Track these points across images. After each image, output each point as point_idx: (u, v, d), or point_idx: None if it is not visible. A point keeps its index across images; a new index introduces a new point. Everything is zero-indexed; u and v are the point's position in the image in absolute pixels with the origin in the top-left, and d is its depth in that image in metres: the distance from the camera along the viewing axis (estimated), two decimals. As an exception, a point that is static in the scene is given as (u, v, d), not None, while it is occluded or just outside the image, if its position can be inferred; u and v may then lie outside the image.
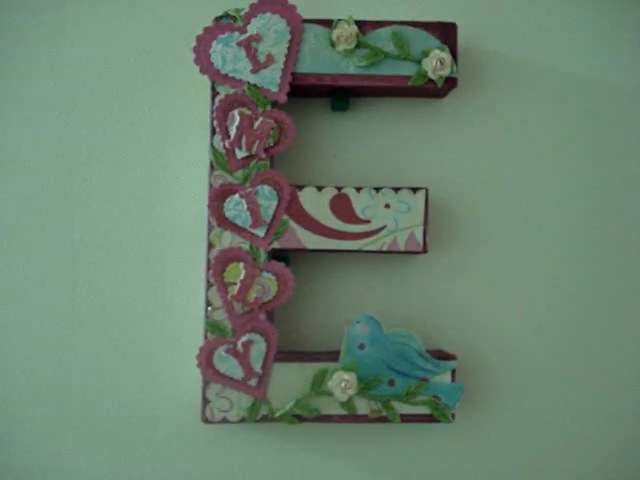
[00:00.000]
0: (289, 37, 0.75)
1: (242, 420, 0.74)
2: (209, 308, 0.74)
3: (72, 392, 0.79)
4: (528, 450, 0.81)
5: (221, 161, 0.75)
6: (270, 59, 0.75)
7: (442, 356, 0.76)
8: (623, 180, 0.82)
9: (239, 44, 0.75)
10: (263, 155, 0.74)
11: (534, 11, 0.82)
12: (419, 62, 0.75)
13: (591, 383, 0.81)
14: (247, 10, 0.75)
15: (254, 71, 0.75)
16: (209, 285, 0.74)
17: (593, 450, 0.81)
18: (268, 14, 0.75)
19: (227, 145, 0.74)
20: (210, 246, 0.74)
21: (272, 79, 0.75)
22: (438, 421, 0.75)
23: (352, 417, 0.75)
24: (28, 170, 0.79)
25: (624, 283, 0.82)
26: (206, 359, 0.74)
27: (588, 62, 0.82)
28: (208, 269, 0.74)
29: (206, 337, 0.74)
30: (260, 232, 0.75)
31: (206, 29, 0.75)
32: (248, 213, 0.74)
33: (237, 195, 0.74)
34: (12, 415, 0.78)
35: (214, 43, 0.74)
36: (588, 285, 0.82)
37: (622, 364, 0.82)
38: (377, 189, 0.75)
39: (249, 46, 0.75)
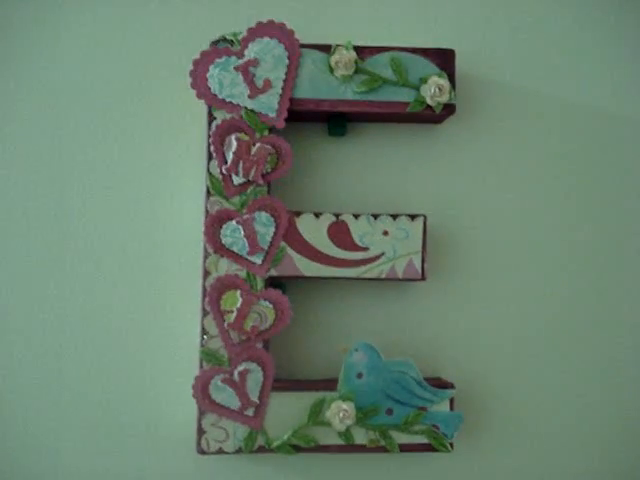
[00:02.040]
0: (287, 62, 0.74)
1: (238, 451, 0.73)
2: (205, 337, 0.73)
3: (65, 420, 0.77)
4: (527, 479, 0.80)
5: (218, 187, 0.74)
6: (268, 84, 0.74)
7: (440, 384, 0.75)
8: (622, 206, 0.82)
9: (236, 69, 0.74)
10: (260, 181, 0.74)
11: (532, 38, 0.82)
12: (417, 88, 0.75)
13: (591, 411, 0.81)
14: (244, 34, 0.74)
15: (251, 96, 0.74)
16: (205, 313, 0.73)
17: (598, 477, 0.81)
18: (266, 39, 0.74)
19: (224, 171, 0.73)
20: (206, 273, 0.73)
21: (270, 104, 0.74)
22: (437, 450, 0.74)
23: (350, 447, 0.74)
24: (16, 194, 0.78)
25: (624, 309, 0.82)
26: (202, 389, 0.72)
27: (587, 89, 0.83)
28: (204, 297, 0.73)
29: (202, 366, 0.73)
30: (257, 259, 0.73)
31: (203, 53, 0.74)
32: (245, 240, 0.73)
33: (234, 222, 0.73)
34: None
35: (211, 67, 0.74)
36: (587, 312, 0.82)
37: (624, 389, 0.81)
38: (375, 216, 0.74)
39: (246, 71, 0.74)
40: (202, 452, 0.73)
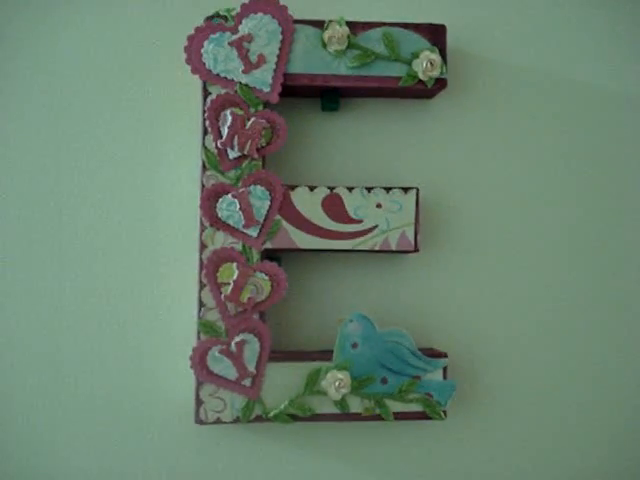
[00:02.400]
0: (281, 37, 0.75)
1: (236, 420, 0.74)
2: (202, 309, 0.74)
3: (64, 394, 0.78)
4: (519, 445, 0.82)
5: (213, 161, 0.74)
6: (262, 59, 0.75)
7: (434, 354, 0.77)
8: (612, 178, 0.84)
9: (231, 44, 0.75)
10: (255, 155, 0.74)
11: (523, 12, 0.83)
12: (409, 63, 0.76)
13: (582, 379, 0.83)
14: (238, 10, 0.75)
15: (246, 71, 0.75)
16: (202, 286, 0.74)
17: (585, 446, 0.83)
18: (260, 14, 0.75)
19: (219, 145, 0.74)
20: (203, 246, 0.74)
21: (264, 79, 0.75)
22: (430, 418, 0.76)
23: (346, 415, 0.75)
24: (18, 167, 0.78)
25: (618, 280, 0.83)
26: (199, 360, 0.74)
27: (577, 63, 0.84)
28: (201, 270, 0.74)
29: (199, 338, 0.74)
30: (253, 232, 0.75)
31: (197, 29, 0.74)
32: (241, 213, 0.74)
33: (230, 195, 0.74)
34: (3, 419, 0.78)
35: (205, 43, 0.74)
36: (579, 282, 0.83)
37: (613, 360, 0.83)
38: (369, 189, 0.76)
39: (241, 46, 0.75)
40: (200, 422, 0.74)
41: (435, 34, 0.77)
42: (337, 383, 0.74)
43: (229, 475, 0.79)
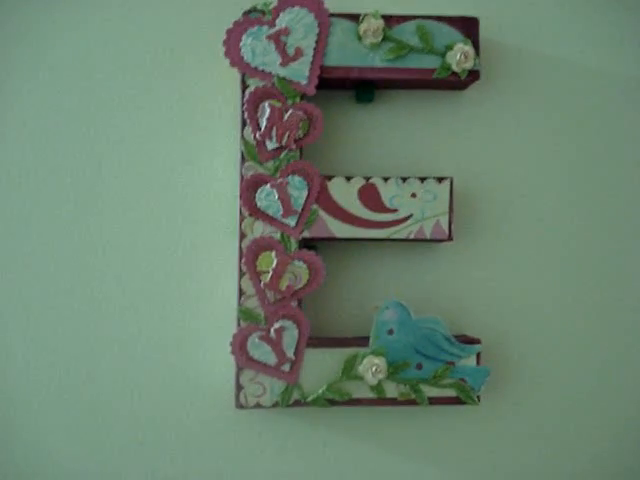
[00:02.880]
0: (317, 31, 0.77)
1: (275, 405, 0.76)
2: (242, 296, 0.76)
3: (105, 379, 0.80)
4: (550, 430, 0.84)
5: (252, 152, 0.76)
6: (299, 52, 0.77)
7: (467, 340, 0.78)
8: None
9: (268, 37, 0.76)
10: (293, 146, 0.76)
11: (555, 4, 0.84)
12: (443, 55, 0.77)
13: (616, 365, 0.84)
14: (275, 4, 0.76)
15: (283, 64, 0.76)
16: (242, 274, 0.76)
17: (620, 433, 0.84)
18: (296, 8, 0.76)
19: (258, 137, 0.76)
20: (242, 236, 0.76)
21: (301, 72, 0.77)
22: (464, 403, 0.77)
23: (382, 400, 0.77)
24: (55, 162, 0.80)
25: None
26: (240, 346, 0.76)
27: (609, 57, 0.85)
28: (240, 258, 0.76)
29: (239, 324, 0.76)
30: (291, 221, 0.76)
31: (236, 23, 0.76)
32: (279, 203, 0.76)
33: (268, 185, 0.76)
34: (28, 402, 0.80)
35: (244, 37, 0.76)
36: (613, 269, 0.84)
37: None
38: (404, 179, 0.77)
39: (278, 39, 0.76)
40: (240, 406, 0.76)
41: (468, 26, 0.78)
42: (374, 368, 0.76)
43: (268, 458, 0.81)
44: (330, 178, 0.77)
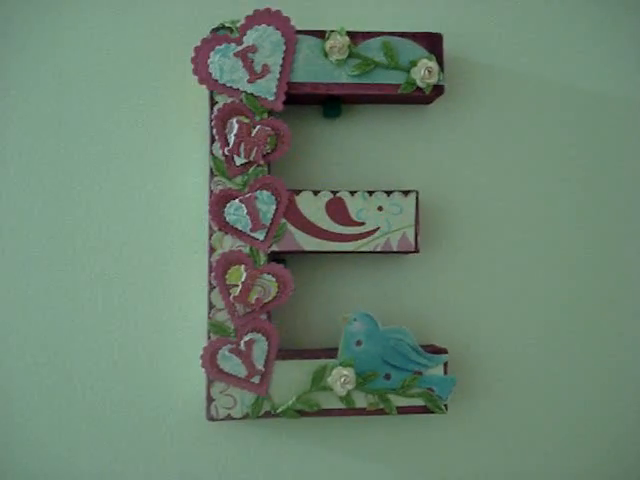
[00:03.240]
0: (284, 48, 0.78)
1: (246, 416, 0.77)
2: (212, 310, 0.77)
3: (77, 393, 0.81)
4: (518, 438, 0.85)
5: (221, 168, 0.77)
6: (266, 69, 0.78)
7: (434, 350, 0.80)
8: (611, 181, 0.87)
9: (236, 55, 0.77)
10: (261, 161, 0.77)
11: (518, 20, 0.86)
12: (408, 71, 0.79)
13: (581, 373, 0.86)
14: (243, 22, 0.77)
15: (251, 81, 0.78)
16: (211, 288, 0.77)
17: (585, 439, 0.86)
18: (263, 26, 0.78)
19: (226, 152, 0.77)
20: (212, 250, 0.77)
21: (268, 88, 0.78)
22: (432, 412, 0.79)
23: (351, 410, 0.78)
24: (29, 177, 0.81)
25: (617, 282, 0.86)
26: (210, 359, 0.77)
27: (574, 69, 0.87)
28: (210, 272, 0.77)
29: (209, 338, 0.77)
30: (260, 235, 0.77)
31: (203, 40, 0.77)
32: (248, 217, 0.77)
33: (237, 200, 0.77)
34: (14, 416, 0.80)
35: (212, 54, 0.77)
36: (578, 281, 0.86)
37: (612, 354, 0.86)
38: (370, 192, 0.78)
39: (245, 57, 0.78)
40: (211, 419, 0.77)
41: (432, 42, 0.80)
42: (342, 379, 0.77)
43: (239, 469, 0.82)
44: (298, 192, 0.78)
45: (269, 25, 0.78)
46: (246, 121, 0.77)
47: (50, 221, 0.81)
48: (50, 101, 0.81)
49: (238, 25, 0.77)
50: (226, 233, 0.77)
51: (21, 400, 0.80)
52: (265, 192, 0.78)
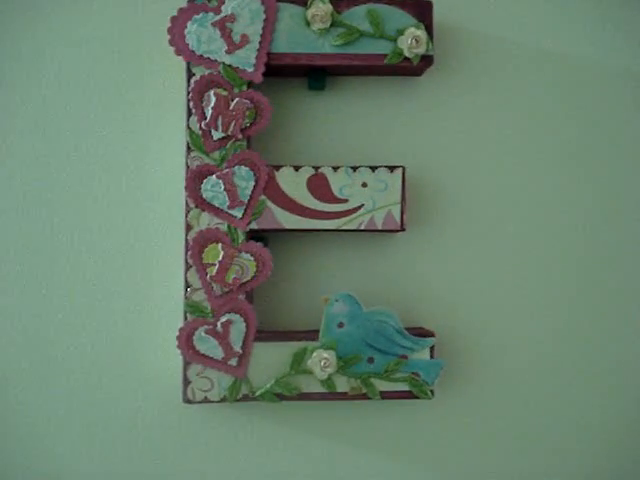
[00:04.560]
0: (264, 17, 0.75)
1: (223, 400, 0.75)
2: (188, 289, 0.74)
3: (52, 374, 0.79)
4: (505, 424, 0.82)
5: (197, 142, 0.74)
6: (245, 39, 0.75)
7: (421, 333, 0.76)
8: (605, 155, 0.82)
9: (214, 24, 0.74)
10: (239, 136, 0.74)
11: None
12: (395, 40, 0.75)
13: (569, 357, 0.82)
14: (222, -10, 0.75)
15: (229, 51, 0.74)
16: (188, 266, 0.74)
17: (572, 425, 0.82)
18: (243, -6, 0.75)
19: (203, 126, 0.74)
20: (188, 227, 0.74)
21: (247, 59, 0.75)
22: (417, 397, 0.76)
23: (332, 395, 0.75)
24: (8, 158, 0.80)
25: (609, 259, 0.82)
26: (186, 340, 0.74)
27: (567, 38, 0.82)
28: (187, 250, 0.74)
29: (186, 318, 0.75)
30: (238, 213, 0.75)
31: (180, 10, 0.74)
32: (225, 194, 0.74)
33: (214, 176, 0.74)
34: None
35: (189, 24, 0.74)
36: (568, 261, 0.82)
37: (601, 337, 0.82)
38: (354, 168, 0.75)
39: (224, 26, 0.74)
40: (188, 401, 0.75)
41: (421, 10, 0.76)
42: (323, 362, 0.74)
43: (217, 453, 0.80)
44: (278, 168, 0.75)
45: (249, -7, 0.75)
46: (224, 94, 0.74)
47: (24, 201, 0.79)
48: (22, 78, 0.79)
49: (217, -7, 0.75)
50: (203, 210, 0.75)
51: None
52: (243, 168, 0.75)
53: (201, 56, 0.74)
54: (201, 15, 0.74)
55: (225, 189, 0.74)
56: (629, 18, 0.83)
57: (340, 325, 0.75)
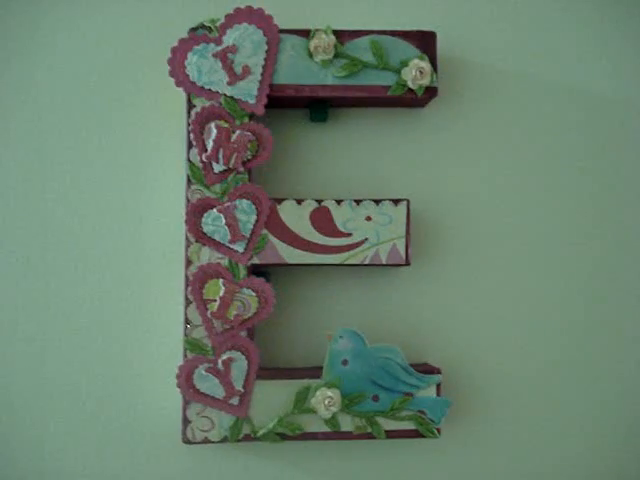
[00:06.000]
0: (266, 48, 0.74)
1: (224, 440, 0.73)
2: (188, 326, 0.73)
3: (51, 412, 0.77)
4: (515, 464, 0.80)
5: (198, 175, 0.73)
6: (247, 70, 0.74)
7: (427, 370, 0.75)
8: (606, 186, 0.82)
9: (215, 55, 0.73)
10: (241, 168, 0.73)
11: (513, 18, 0.81)
12: (398, 72, 0.75)
13: (579, 394, 0.81)
14: (222, 21, 0.73)
15: (231, 83, 0.73)
16: (188, 303, 0.73)
17: (584, 463, 0.81)
18: (244, 24, 0.73)
19: (204, 159, 0.73)
20: (188, 262, 0.73)
21: (249, 91, 0.73)
22: (424, 436, 0.74)
23: (336, 434, 0.73)
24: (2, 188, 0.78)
25: (610, 294, 0.81)
26: (186, 378, 0.72)
27: (568, 68, 0.82)
28: (187, 286, 0.72)
29: (186, 356, 0.73)
30: (239, 247, 0.73)
31: (181, 41, 0.73)
32: (227, 228, 0.73)
33: (215, 210, 0.73)
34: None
35: (189, 55, 0.73)
36: (572, 296, 0.81)
37: (611, 373, 0.81)
38: (358, 201, 0.74)
39: (225, 57, 0.73)
40: (188, 442, 0.72)
41: (425, 41, 0.75)
42: (327, 401, 0.72)
43: (218, 496, 0.78)
44: (280, 201, 0.73)
45: (250, 24, 0.73)
46: (225, 126, 0.73)
47: (22, 232, 0.77)
48: (24, 105, 0.78)
49: (217, 24, 0.73)
50: (204, 245, 0.73)
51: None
52: (245, 201, 0.73)
53: (202, 87, 0.73)
54: (202, 46, 0.73)
55: (226, 223, 0.73)
56: (627, 48, 0.82)
57: (344, 362, 0.73)
